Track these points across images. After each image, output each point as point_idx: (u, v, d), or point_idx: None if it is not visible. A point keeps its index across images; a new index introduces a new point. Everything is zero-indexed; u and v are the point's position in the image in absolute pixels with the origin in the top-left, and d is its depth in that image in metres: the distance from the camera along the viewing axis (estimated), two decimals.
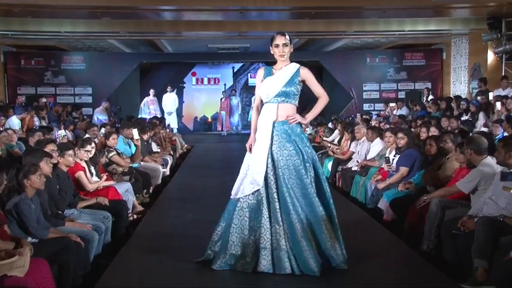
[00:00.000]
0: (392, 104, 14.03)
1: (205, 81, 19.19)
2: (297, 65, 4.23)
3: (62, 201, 4.81)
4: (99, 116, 13.00)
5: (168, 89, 16.23)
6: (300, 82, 4.20)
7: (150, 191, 7.33)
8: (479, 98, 10.77)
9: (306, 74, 4.21)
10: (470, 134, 6.50)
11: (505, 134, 7.20)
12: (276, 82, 4.16)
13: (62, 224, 4.35)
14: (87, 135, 7.87)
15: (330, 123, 12.11)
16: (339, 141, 9.55)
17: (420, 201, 4.94)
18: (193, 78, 19.09)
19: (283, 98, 4.16)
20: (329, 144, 9.53)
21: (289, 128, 4.13)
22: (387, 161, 6.43)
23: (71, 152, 5.25)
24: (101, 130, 9.03)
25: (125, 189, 6.04)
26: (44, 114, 11.21)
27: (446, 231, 4.25)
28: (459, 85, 15.03)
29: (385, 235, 5.27)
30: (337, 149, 8.97)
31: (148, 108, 15.59)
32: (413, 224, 5.03)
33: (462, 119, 9.50)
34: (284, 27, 13.14)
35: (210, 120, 19.11)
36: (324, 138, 10.45)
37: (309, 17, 12.01)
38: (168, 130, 13.08)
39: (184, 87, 18.96)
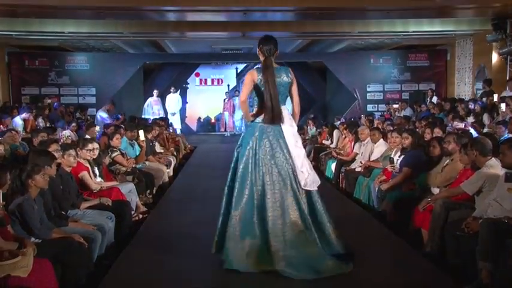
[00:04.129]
0: (395, 106, 13.98)
1: (209, 81, 19.21)
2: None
3: (65, 201, 4.81)
4: (102, 113, 13.00)
5: (171, 90, 16.25)
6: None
7: (154, 191, 7.33)
8: (483, 99, 10.72)
9: None
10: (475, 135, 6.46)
11: (509, 135, 7.15)
12: None
13: (65, 225, 4.36)
14: (87, 136, 7.86)
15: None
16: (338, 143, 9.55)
17: (424, 204, 4.92)
18: (197, 79, 19.10)
19: None
20: (330, 147, 9.54)
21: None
22: (391, 161, 6.41)
23: (72, 152, 5.24)
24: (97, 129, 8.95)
25: (128, 190, 6.05)
26: (46, 114, 11.23)
27: (451, 233, 4.23)
28: (463, 86, 14.98)
29: (388, 236, 5.25)
30: (340, 150, 8.95)
31: (152, 109, 15.63)
32: (417, 225, 5.01)
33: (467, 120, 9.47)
34: (288, 28, 13.15)
35: (213, 120, 19.11)
36: (324, 141, 10.45)
37: (313, 17, 11.97)
38: (171, 130, 13.09)
39: (187, 87, 18.97)
